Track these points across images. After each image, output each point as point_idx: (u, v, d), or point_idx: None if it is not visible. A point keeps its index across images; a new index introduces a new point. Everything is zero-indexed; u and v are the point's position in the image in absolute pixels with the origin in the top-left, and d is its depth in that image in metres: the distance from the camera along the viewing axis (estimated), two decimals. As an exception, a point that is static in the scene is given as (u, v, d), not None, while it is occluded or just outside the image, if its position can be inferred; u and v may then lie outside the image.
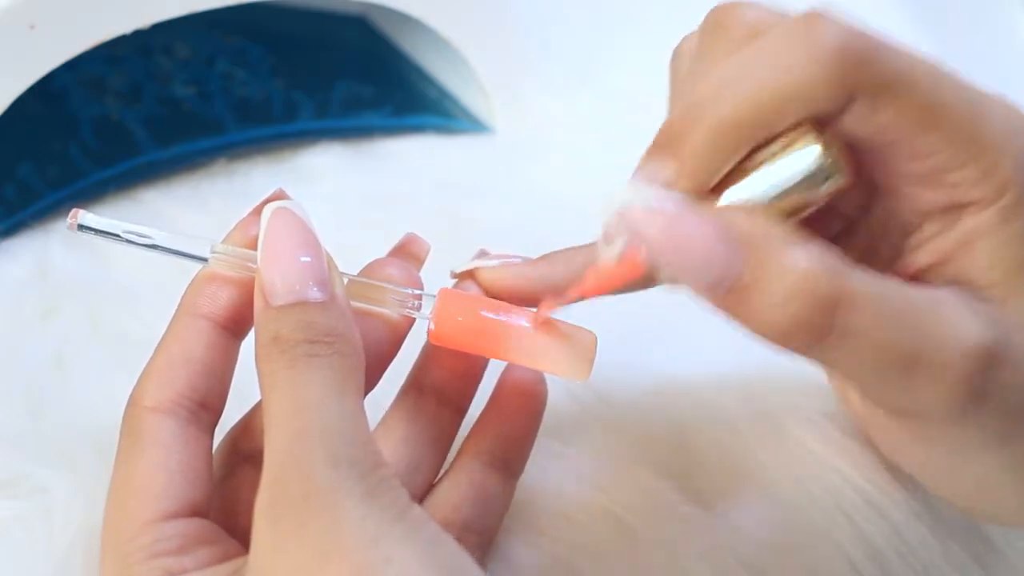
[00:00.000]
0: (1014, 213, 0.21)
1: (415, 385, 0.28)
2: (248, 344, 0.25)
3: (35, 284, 0.39)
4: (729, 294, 0.20)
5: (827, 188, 0.21)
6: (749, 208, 0.21)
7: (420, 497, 0.28)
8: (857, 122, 0.21)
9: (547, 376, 0.29)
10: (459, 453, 0.28)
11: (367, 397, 0.25)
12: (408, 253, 0.29)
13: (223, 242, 0.26)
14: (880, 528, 0.30)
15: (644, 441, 0.32)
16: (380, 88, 0.49)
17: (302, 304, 0.23)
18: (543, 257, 0.28)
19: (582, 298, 0.25)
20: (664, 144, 0.22)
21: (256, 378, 0.23)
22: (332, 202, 0.42)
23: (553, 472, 0.31)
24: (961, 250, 0.22)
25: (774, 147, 0.21)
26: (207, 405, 0.25)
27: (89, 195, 0.42)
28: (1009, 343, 0.21)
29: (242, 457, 0.27)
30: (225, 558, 0.23)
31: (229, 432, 0.27)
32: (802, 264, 0.19)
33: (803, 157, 0.21)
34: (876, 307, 0.20)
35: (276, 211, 0.25)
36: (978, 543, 0.30)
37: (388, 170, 0.46)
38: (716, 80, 0.21)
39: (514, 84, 0.48)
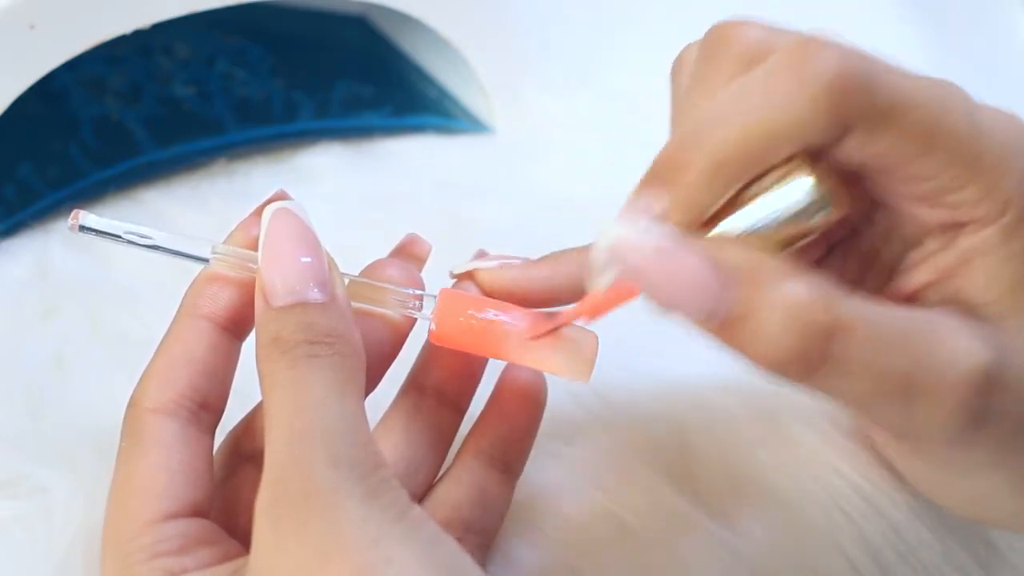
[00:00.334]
0: (1015, 232, 0.21)
1: (415, 385, 0.28)
2: (249, 344, 0.25)
3: (35, 284, 0.39)
4: (723, 326, 0.20)
5: (820, 220, 0.21)
6: (742, 240, 0.21)
7: (420, 497, 0.28)
8: (854, 150, 0.21)
9: (548, 376, 0.29)
10: (459, 453, 0.28)
11: (368, 397, 0.25)
12: (409, 254, 0.29)
13: (224, 243, 0.26)
14: (880, 528, 0.30)
15: (644, 441, 0.32)
16: (380, 88, 0.49)
17: (302, 305, 0.23)
18: (542, 259, 0.28)
19: (577, 317, 0.25)
20: (659, 176, 0.22)
21: (257, 378, 0.23)
22: (332, 202, 0.42)
23: (553, 472, 0.31)
24: (961, 268, 0.22)
25: (767, 180, 0.21)
26: (208, 406, 0.25)
27: (89, 195, 0.42)
28: (1008, 364, 0.20)
29: (243, 457, 0.27)
30: (226, 558, 0.23)
31: (230, 432, 0.27)
32: (795, 296, 0.19)
33: (796, 189, 0.21)
34: (871, 336, 0.20)
35: (277, 212, 0.25)
36: (978, 543, 0.30)
37: (388, 170, 0.46)
38: (711, 113, 0.21)
39: (514, 84, 0.48)
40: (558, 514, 0.30)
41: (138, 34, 0.38)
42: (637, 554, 0.29)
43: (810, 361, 0.19)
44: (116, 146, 0.44)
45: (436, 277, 0.28)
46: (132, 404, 0.25)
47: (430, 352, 0.28)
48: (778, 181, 0.21)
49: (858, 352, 0.19)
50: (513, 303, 0.27)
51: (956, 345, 0.20)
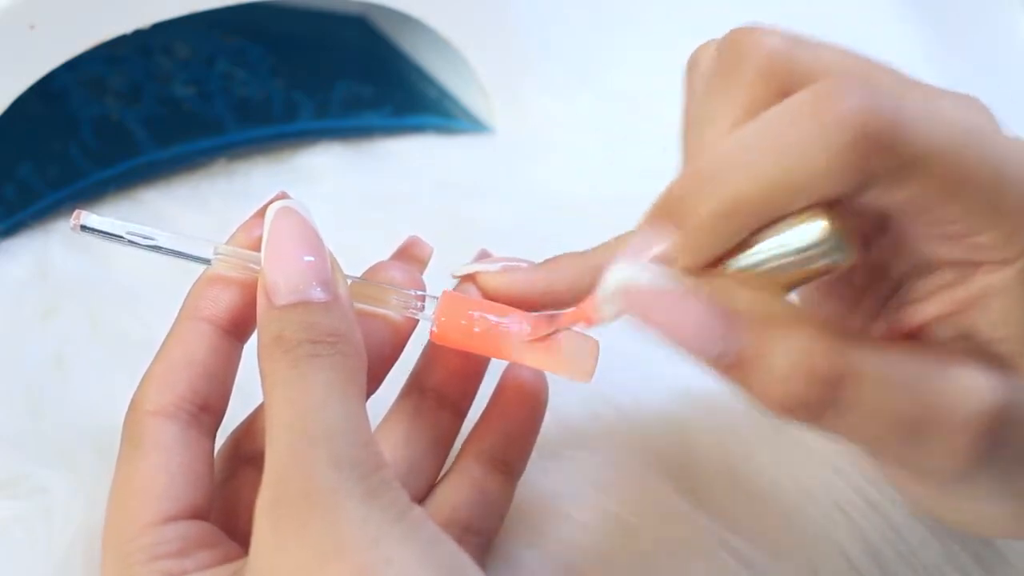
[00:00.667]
0: None
1: (416, 387, 0.28)
2: (250, 346, 0.25)
3: (35, 284, 0.39)
4: (730, 369, 0.20)
5: (832, 264, 0.21)
6: (749, 280, 0.21)
7: (420, 498, 0.28)
8: (873, 199, 0.20)
9: (548, 377, 0.29)
10: (460, 454, 0.28)
11: (368, 399, 0.25)
12: (411, 256, 0.29)
13: (226, 243, 0.26)
14: (880, 528, 0.30)
15: (645, 441, 0.32)
16: (380, 88, 0.49)
17: (305, 304, 0.23)
18: (544, 263, 0.28)
19: (576, 322, 0.25)
20: (667, 213, 0.21)
21: (258, 379, 0.23)
22: (332, 202, 0.42)
23: (554, 473, 0.31)
24: (974, 304, 0.21)
25: (779, 223, 0.20)
26: (208, 408, 0.25)
27: (89, 195, 0.42)
28: (1018, 402, 0.20)
29: (243, 460, 0.27)
30: (225, 560, 0.23)
31: (231, 434, 0.27)
32: (800, 343, 0.19)
33: (808, 233, 0.20)
34: (878, 381, 0.19)
35: (280, 211, 0.25)
36: (978, 543, 0.30)
37: (388, 170, 0.46)
38: (726, 155, 0.20)
39: (514, 84, 0.48)
40: (559, 514, 0.30)
41: (138, 34, 0.38)
42: (639, 554, 0.29)
43: (816, 407, 0.19)
44: (116, 146, 0.44)
45: (437, 278, 0.28)
46: (132, 406, 0.25)
47: (431, 353, 0.28)
48: (789, 223, 0.20)
49: (864, 398, 0.19)
50: (514, 307, 0.27)
51: (967, 386, 0.20)
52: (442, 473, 0.28)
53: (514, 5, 0.48)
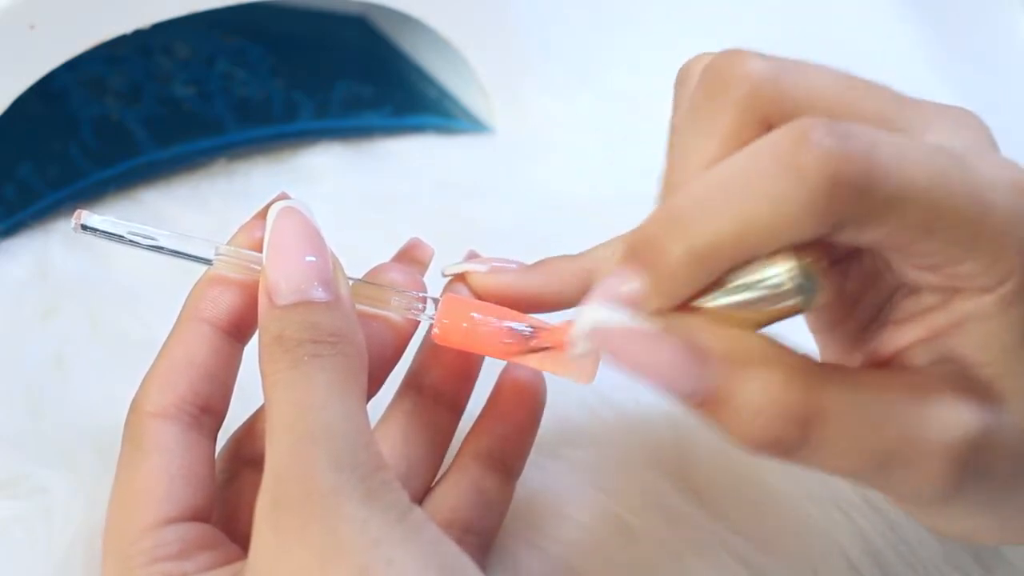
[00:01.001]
0: (1014, 300, 0.20)
1: (412, 386, 0.28)
2: (251, 347, 0.25)
3: (35, 284, 0.39)
4: (703, 406, 0.20)
5: (803, 303, 0.20)
6: (721, 318, 0.21)
7: (419, 498, 0.28)
8: (847, 238, 0.20)
9: (548, 377, 0.29)
10: (458, 454, 0.28)
11: (369, 400, 0.25)
12: (412, 258, 0.29)
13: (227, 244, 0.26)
14: (880, 528, 0.30)
15: (644, 441, 0.32)
16: (380, 88, 0.49)
17: (306, 304, 0.23)
18: (536, 265, 0.28)
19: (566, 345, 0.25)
20: (638, 255, 0.21)
21: (259, 381, 0.23)
22: (332, 202, 0.42)
23: (554, 473, 0.31)
24: (955, 329, 0.21)
25: (751, 264, 0.20)
26: (209, 410, 0.25)
27: (89, 195, 0.42)
28: (997, 426, 0.20)
29: (244, 462, 0.27)
30: (226, 562, 0.23)
31: (232, 436, 0.27)
32: (771, 383, 0.19)
33: (779, 273, 0.20)
34: (852, 417, 0.19)
35: (283, 210, 0.25)
36: (978, 543, 0.30)
37: (388, 170, 0.46)
38: (697, 196, 0.20)
39: (514, 84, 0.48)
40: (558, 514, 0.30)
41: (138, 34, 0.38)
42: (638, 555, 0.29)
43: (790, 445, 0.19)
44: (116, 146, 0.44)
45: (437, 278, 0.28)
46: (133, 408, 0.25)
47: (427, 352, 0.28)
48: (761, 264, 0.20)
49: (838, 435, 0.19)
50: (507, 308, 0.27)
51: (942, 416, 0.20)
52: (440, 473, 0.28)
53: (514, 5, 0.48)
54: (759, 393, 0.19)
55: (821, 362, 0.20)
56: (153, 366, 0.25)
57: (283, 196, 0.26)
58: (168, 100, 0.47)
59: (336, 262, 0.25)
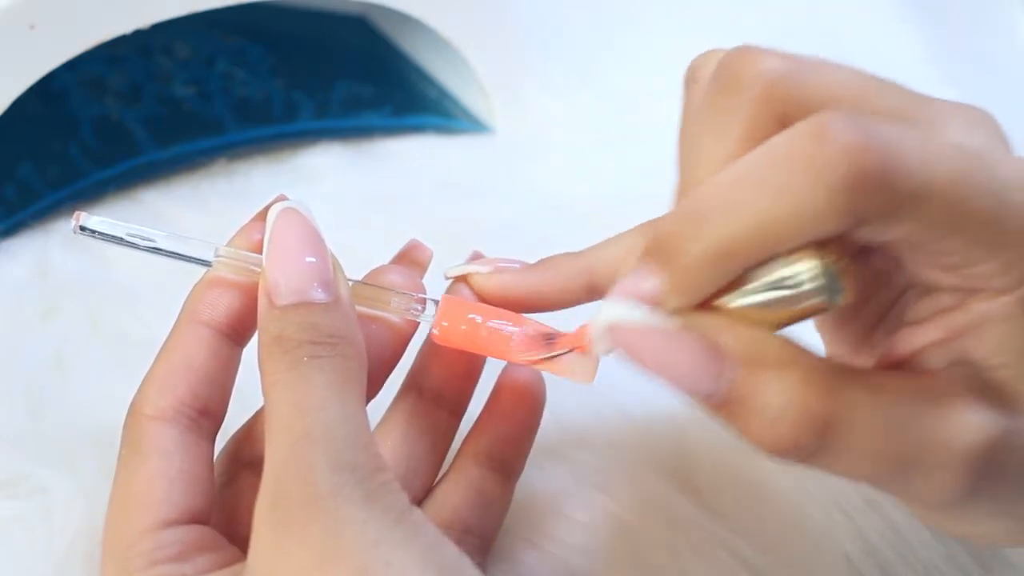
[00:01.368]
0: None
1: (412, 387, 0.28)
2: (250, 349, 0.25)
3: (35, 284, 0.39)
4: (720, 407, 0.20)
5: (826, 303, 0.20)
6: (741, 318, 0.20)
7: (419, 499, 0.28)
8: (869, 235, 0.20)
9: (548, 377, 0.29)
10: (458, 455, 0.28)
11: (369, 403, 0.25)
12: (411, 260, 0.29)
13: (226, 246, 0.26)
14: (880, 528, 0.30)
15: (644, 441, 0.32)
16: (380, 88, 0.49)
17: (306, 305, 0.23)
18: (537, 264, 0.28)
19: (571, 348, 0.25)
20: (657, 253, 0.20)
21: (258, 384, 0.23)
22: (332, 202, 0.42)
23: (554, 473, 0.31)
24: (972, 330, 0.21)
25: (772, 263, 0.20)
26: (208, 412, 0.25)
27: (89, 195, 0.42)
28: (1014, 430, 0.20)
29: (243, 464, 0.27)
30: (225, 564, 0.23)
31: (231, 439, 0.27)
32: (790, 386, 0.19)
33: (801, 272, 0.20)
34: (870, 421, 0.19)
35: (283, 211, 0.25)
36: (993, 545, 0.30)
37: (388, 170, 0.46)
38: (717, 194, 0.20)
39: (514, 84, 0.48)
40: (558, 515, 0.30)
41: (138, 34, 0.38)
42: (639, 554, 0.29)
43: (808, 449, 0.19)
44: (116, 146, 0.44)
45: (437, 278, 0.28)
46: (132, 411, 0.25)
47: (427, 353, 0.28)
48: (781, 262, 0.20)
49: (856, 439, 0.19)
50: (507, 308, 0.27)
51: (959, 421, 0.20)
52: (440, 473, 0.28)
53: (514, 5, 0.48)
54: (778, 396, 0.19)
55: (839, 365, 0.20)
56: (151, 369, 0.25)
57: (282, 198, 0.26)
58: (168, 100, 0.47)
59: (336, 263, 0.25)
